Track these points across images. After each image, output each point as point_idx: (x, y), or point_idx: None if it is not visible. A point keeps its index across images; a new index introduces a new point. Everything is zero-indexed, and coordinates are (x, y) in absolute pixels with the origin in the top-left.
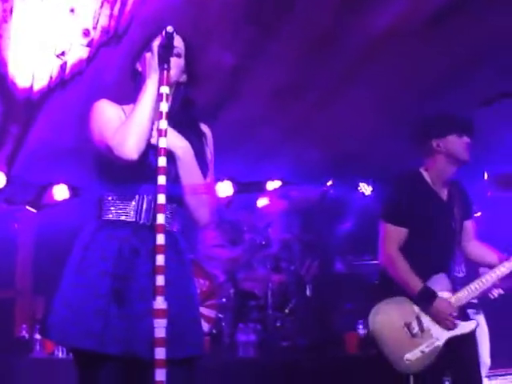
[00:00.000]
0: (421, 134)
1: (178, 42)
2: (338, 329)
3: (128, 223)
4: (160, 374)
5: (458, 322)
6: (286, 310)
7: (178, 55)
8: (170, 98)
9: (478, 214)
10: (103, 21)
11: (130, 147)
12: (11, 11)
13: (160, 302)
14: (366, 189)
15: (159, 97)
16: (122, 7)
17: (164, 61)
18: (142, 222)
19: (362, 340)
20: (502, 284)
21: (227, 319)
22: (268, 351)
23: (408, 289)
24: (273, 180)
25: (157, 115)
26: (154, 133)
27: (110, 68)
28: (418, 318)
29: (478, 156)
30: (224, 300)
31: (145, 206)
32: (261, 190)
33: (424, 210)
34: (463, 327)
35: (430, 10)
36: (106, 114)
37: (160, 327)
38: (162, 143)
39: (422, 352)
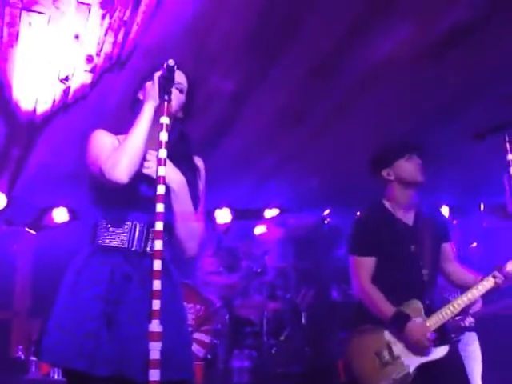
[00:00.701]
0: (372, 167)
1: (181, 78)
2: (332, 357)
3: (120, 249)
4: None
5: (430, 347)
6: (282, 338)
7: (181, 91)
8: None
9: (474, 244)
10: (107, 47)
11: (121, 170)
12: (17, 36)
13: (155, 326)
14: None
15: (159, 127)
16: (126, 35)
17: (165, 92)
18: (133, 248)
19: None
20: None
21: (222, 345)
22: (262, 378)
23: (382, 316)
24: (271, 208)
25: (154, 144)
26: (151, 163)
27: (112, 93)
28: (389, 346)
29: (475, 187)
30: (219, 326)
31: (137, 233)
32: (259, 218)
33: (388, 237)
34: (435, 353)
35: (429, 40)
36: (101, 141)
37: (155, 350)
38: (162, 172)
39: (394, 380)
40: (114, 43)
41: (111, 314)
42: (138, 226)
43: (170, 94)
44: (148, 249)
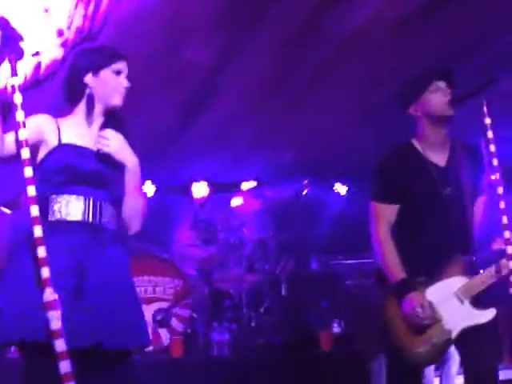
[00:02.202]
0: (400, 105)
1: (124, 66)
2: (312, 327)
3: (77, 223)
4: (64, 367)
5: (473, 310)
6: (261, 310)
7: (119, 72)
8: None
9: None
10: (77, 21)
11: None
12: None
13: (49, 295)
14: (341, 189)
15: (12, 88)
16: (97, 8)
17: (8, 51)
18: (90, 221)
19: (336, 338)
20: None
21: (202, 319)
22: (243, 350)
23: (388, 275)
24: (248, 180)
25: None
26: (108, 141)
27: None
28: (431, 307)
29: None
30: (198, 300)
31: (91, 206)
32: (236, 190)
33: (415, 182)
34: (482, 316)
35: (403, 7)
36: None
37: (55, 319)
38: (22, 135)
39: (434, 345)
40: (85, 16)
41: (78, 286)
42: (91, 200)
43: (14, 52)
44: (104, 223)
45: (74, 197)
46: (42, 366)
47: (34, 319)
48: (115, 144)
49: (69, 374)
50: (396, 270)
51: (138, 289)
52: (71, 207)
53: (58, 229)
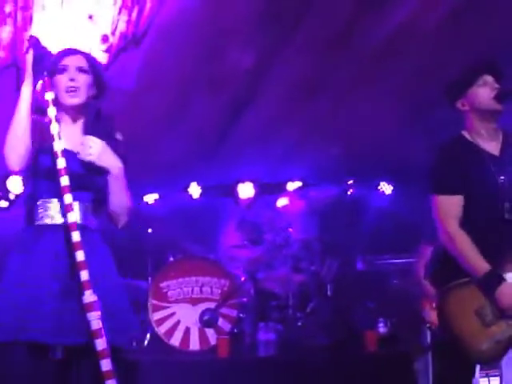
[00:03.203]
0: (447, 101)
1: (80, 60)
2: (358, 327)
3: (58, 226)
4: (105, 365)
5: None
6: (307, 310)
7: (84, 72)
8: (85, 116)
9: None
10: (121, 26)
11: (11, 162)
12: (31, 19)
13: (88, 296)
14: (386, 188)
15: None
16: (140, 13)
17: (39, 69)
18: (81, 223)
19: (381, 338)
20: None
21: (248, 319)
22: (289, 350)
23: (471, 271)
24: (293, 181)
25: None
26: (90, 149)
27: (128, 72)
28: (492, 304)
29: None
30: (245, 300)
31: (81, 210)
32: (281, 191)
33: (474, 171)
34: None
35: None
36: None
37: (95, 319)
38: (57, 147)
39: (498, 342)
40: (129, 22)
41: (71, 287)
42: (80, 203)
43: (47, 71)
44: (93, 225)
45: (56, 200)
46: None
47: (33, 322)
48: (96, 151)
49: (110, 372)
50: (478, 262)
51: (185, 289)
52: (55, 211)
53: (44, 232)
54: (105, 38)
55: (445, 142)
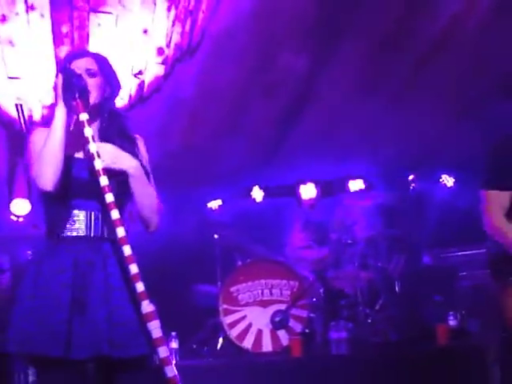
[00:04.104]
0: (502, 95)
1: (89, 62)
2: (428, 322)
3: (80, 237)
4: (169, 371)
5: None
6: (376, 307)
7: (93, 75)
8: (99, 117)
9: None
10: (176, 38)
11: (45, 181)
12: (87, 37)
13: (146, 306)
14: (448, 180)
15: (81, 124)
16: (193, 24)
17: (71, 93)
18: (92, 235)
19: (452, 331)
20: None
21: (319, 318)
22: (360, 348)
23: None
24: (354, 179)
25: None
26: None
27: (185, 82)
28: None
29: None
30: (315, 300)
31: (93, 220)
32: (343, 190)
33: None
34: None
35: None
36: (35, 145)
37: (155, 328)
38: (98, 165)
39: None
40: (183, 33)
41: (81, 300)
42: (93, 213)
43: (78, 92)
44: (105, 234)
45: (76, 211)
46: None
47: (51, 334)
48: (108, 157)
49: (175, 378)
50: None
51: (255, 292)
52: (75, 222)
53: (62, 245)
54: (160, 51)
55: (498, 139)
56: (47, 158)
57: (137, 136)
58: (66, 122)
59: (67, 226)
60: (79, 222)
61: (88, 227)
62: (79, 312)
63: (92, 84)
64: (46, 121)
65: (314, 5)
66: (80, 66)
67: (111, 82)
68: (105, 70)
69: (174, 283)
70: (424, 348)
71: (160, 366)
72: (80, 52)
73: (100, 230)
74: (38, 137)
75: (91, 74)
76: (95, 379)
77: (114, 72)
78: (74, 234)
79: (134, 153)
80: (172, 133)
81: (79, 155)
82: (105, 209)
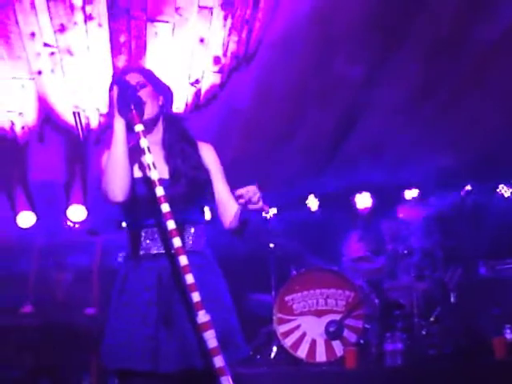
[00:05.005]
0: None
1: (137, 76)
2: (484, 334)
3: (160, 254)
4: (225, 381)
5: None
6: (432, 318)
7: (143, 86)
8: (162, 124)
9: None
10: (232, 47)
11: (113, 194)
12: (145, 47)
13: (202, 317)
14: (505, 190)
15: (138, 135)
16: (249, 32)
17: (127, 106)
18: (173, 250)
19: (510, 345)
20: None
21: (374, 329)
22: (415, 360)
23: None
24: (410, 188)
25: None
26: None
27: (242, 90)
28: None
29: None
30: (370, 310)
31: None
32: (399, 199)
33: None
34: None
35: None
36: (102, 164)
37: (211, 338)
38: (154, 175)
39: None
40: (239, 42)
41: (166, 315)
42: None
43: (133, 103)
44: (187, 246)
45: (152, 228)
46: None
47: (139, 350)
48: (259, 198)
49: None
50: None
51: (309, 301)
52: (152, 240)
53: (144, 263)
54: (217, 60)
55: None
56: (113, 169)
57: (207, 144)
58: (125, 134)
59: (145, 243)
60: (155, 239)
61: (164, 242)
62: (165, 327)
63: (144, 94)
64: (103, 129)
65: (371, 12)
66: (129, 80)
67: (162, 90)
68: (152, 79)
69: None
70: (480, 361)
71: (216, 377)
72: (126, 69)
73: (194, 243)
74: (105, 157)
75: (141, 86)
76: None
77: (161, 80)
78: (154, 251)
79: (196, 157)
80: (228, 141)
81: (139, 175)
82: (180, 222)
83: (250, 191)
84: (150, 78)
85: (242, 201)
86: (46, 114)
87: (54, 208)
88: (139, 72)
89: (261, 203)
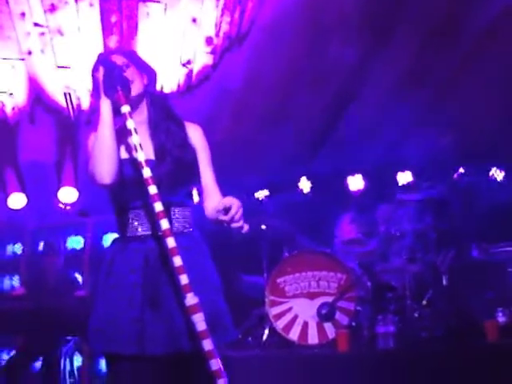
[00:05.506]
0: None
1: (119, 58)
2: (476, 317)
3: (146, 236)
4: (214, 364)
5: None
6: (424, 301)
7: (127, 66)
8: (146, 104)
9: None
10: (225, 27)
11: (101, 176)
12: (136, 27)
13: (190, 299)
14: (498, 174)
15: (124, 116)
16: (242, 13)
17: (112, 87)
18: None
19: (502, 328)
20: None
21: (365, 312)
22: (407, 342)
23: None
24: (403, 171)
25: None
26: None
27: (234, 71)
28: None
29: None
30: (362, 293)
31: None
32: (392, 182)
33: None
34: None
35: None
36: (90, 146)
37: (199, 321)
38: (141, 157)
39: None
40: (231, 22)
41: (153, 298)
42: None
43: (119, 84)
44: (174, 228)
45: (138, 210)
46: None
47: (125, 333)
48: (240, 215)
49: (220, 371)
50: None
51: (302, 284)
52: (144, 220)
53: (131, 244)
54: (209, 40)
55: None
56: (100, 151)
57: (195, 125)
58: (112, 114)
59: (133, 225)
60: (143, 221)
61: (152, 224)
62: (151, 309)
63: (129, 74)
64: (94, 109)
65: None
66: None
67: (145, 70)
68: (135, 60)
69: (219, 273)
70: (472, 344)
71: (205, 359)
72: (108, 52)
73: (181, 224)
74: (92, 139)
75: (126, 66)
76: (171, 373)
77: (144, 60)
78: (141, 233)
79: (182, 135)
80: (219, 122)
81: (125, 156)
82: (167, 204)
83: (234, 208)
84: (132, 58)
85: (224, 218)
86: (37, 95)
87: (44, 189)
88: (121, 54)
89: (241, 222)
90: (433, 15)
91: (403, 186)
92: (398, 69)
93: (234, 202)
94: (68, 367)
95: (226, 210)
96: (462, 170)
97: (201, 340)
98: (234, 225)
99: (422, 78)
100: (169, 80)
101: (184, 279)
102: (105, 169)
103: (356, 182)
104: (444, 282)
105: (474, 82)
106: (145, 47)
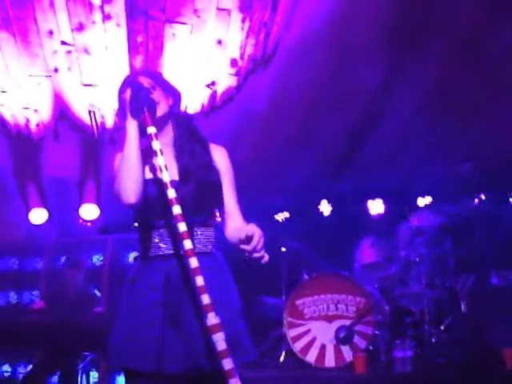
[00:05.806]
0: None
1: (145, 80)
2: (495, 344)
3: (170, 255)
4: (234, 383)
5: None
6: (442, 327)
7: (153, 88)
8: (171, 125)
9: None
10: (249, 50)
11: (126, 196)
12: (162, 48)
13: (212, 319)
14: None
15: (150, 137)
16: (267, 36)
17: (138, 108)
18: (183, 252)
19: None
20: None
21: (383, 336)
22: (424, 367)
23: None
24: (423, 196)
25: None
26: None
27: (258, 93)
28: None
29: None
30: (380, 317)
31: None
32: (412, 206)
33: None
34: None
35: None
36: (115, 166)
37: (220, 340)
38: (166, 178)
39: None
40: (256, 45)
41: (173, 316)
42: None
43: (146, 105)
44: (197, 249)
45: (162, 230)
46: None
47: (143, 351)
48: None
49: None
50: None
51: (320, 306)
52: (167, 240)
53: (153, 263)
54: (234, 62)
55: None
56: (126, 172)
57: (220, 147)
58: (138, 135)
59: (155, 244)
60: (166, 240)
61: (175, 244)
62: (172, 328)
63: (156, 96)
64: (118, 128)
65: (389, 18)
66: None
67: (171, 91)
68: (161, 82)
69: (239, 293)
70: (490, 372)
71: (224, 378)
72: (133, 74)
73: (203, 245)
74: (118, 159)
75: (152, 88)
76: None
77: (169, 82)
78: (164, 252)
79: (206, 157)
80: (242, 143)
81: (150, 176)
82: (191, 224)
83: (256, 238)
84: (158, 80)
85: (246, 247)
86: (62, 112)
87: (66, 205)
88: (148, 75)
89: (263, 252)
90: (455, 38)
91: (423, 210)
92: (422, 92)
93: (256, 232)
94: (84, 383)
95: (249, 240)
96: (482, 197)
97: (221, 359)
98: (256, 255)
99: (445, 101)
100: (193, 100)
101: (206, 299)
102: (130, 188)
103: (376, 206)
104: (463, 308)
105: (496, 106)
106: (170, 67)
